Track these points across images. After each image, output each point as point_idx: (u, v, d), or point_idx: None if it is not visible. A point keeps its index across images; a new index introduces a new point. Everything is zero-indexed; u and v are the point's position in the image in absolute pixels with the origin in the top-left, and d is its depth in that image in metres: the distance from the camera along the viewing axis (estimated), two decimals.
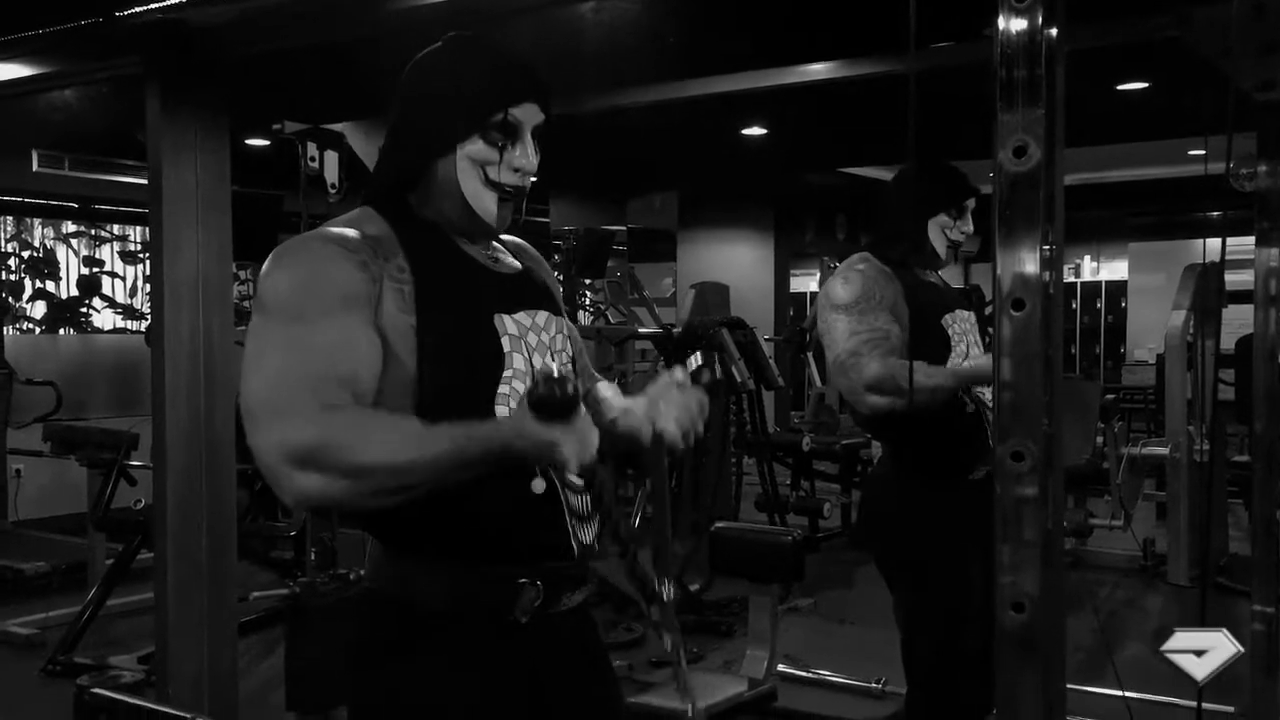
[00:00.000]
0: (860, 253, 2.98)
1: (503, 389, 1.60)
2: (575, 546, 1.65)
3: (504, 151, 1.63)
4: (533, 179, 1.69)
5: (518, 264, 1.77)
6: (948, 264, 3.01)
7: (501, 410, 1.59)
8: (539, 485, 1.59)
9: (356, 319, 1.53)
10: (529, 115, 1.65)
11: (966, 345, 2.93)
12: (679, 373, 1.68)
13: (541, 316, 1.69)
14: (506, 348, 1.62)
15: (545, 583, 1.61)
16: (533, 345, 1.65)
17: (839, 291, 2.87)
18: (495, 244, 1.78)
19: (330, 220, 1.67)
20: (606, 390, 1.80)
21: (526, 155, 1.65)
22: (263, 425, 1.49)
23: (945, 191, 2.95)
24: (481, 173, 1.63)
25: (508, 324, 1.64)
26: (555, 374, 1.46)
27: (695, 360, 1.73)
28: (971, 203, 2.96)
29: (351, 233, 1.59)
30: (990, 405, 2.90)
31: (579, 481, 1.64)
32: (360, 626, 1.69)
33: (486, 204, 1.64)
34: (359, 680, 1.66)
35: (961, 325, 2.94)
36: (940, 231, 2.94)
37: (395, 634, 1.62)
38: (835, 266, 10.81)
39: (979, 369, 2.75)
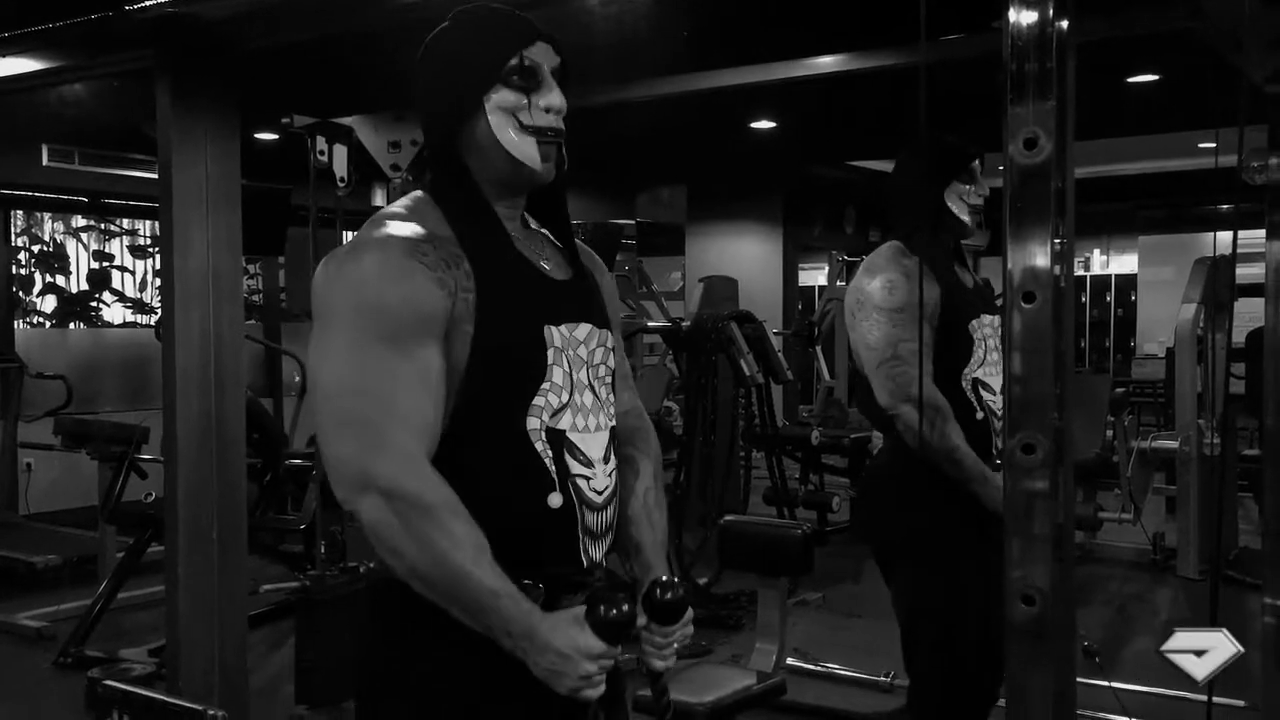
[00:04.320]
0: (892, 244, 2.94)
1: (538, 400, 1.60)
2: (584, 560, 1.66)
3: (530, 95, 1.64)
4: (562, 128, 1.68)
5: (570, 269, 1.76)
6: (975, 231, 2.98)
7: (533, 422, 1.60)
8: (556, 500, 1.61)
9: (434, 346, 1.55)
10: (544, 55, 1.65)
11: (985, 350, 2.91)
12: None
13: (582, 330, 1.68)
14: (550, 360, 1.62)
15: (547, 586, 1.61)
16: (571, 359, 1.65)
17: (882, 294, 2.83)
18: (552, 245, 1.76)
19: (394, 209, 1.66)
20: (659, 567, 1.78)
21: (553, 94, 1.65)
22: (347, 442, 1.52)
23: (950, 159, 2.93)
24: (514, 120, 1.63)
25: (554, 336, 1.64)
26: (615, 598, 1.52)
27: (661, 576, 1.73)
28: (977, 164, 2.94)
29: (425, 236, 1.58)
30: (999, 414, 2.89)
31: (599, 499, 1.66)
32: (369, 615, 1.70)
33: (527, 150, 1.63)
34: (367, 666, 1.67)
35: (984, 330, 2.93)
36: (959, 199, 2.92)
37: (402, 622, 1.62)
38: (844, 260, 10.67)
39: (996, 497, 2.72)
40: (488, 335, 1.57)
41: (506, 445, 1.59)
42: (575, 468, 1.63)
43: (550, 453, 1.60)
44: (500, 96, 1.62)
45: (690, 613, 1.69)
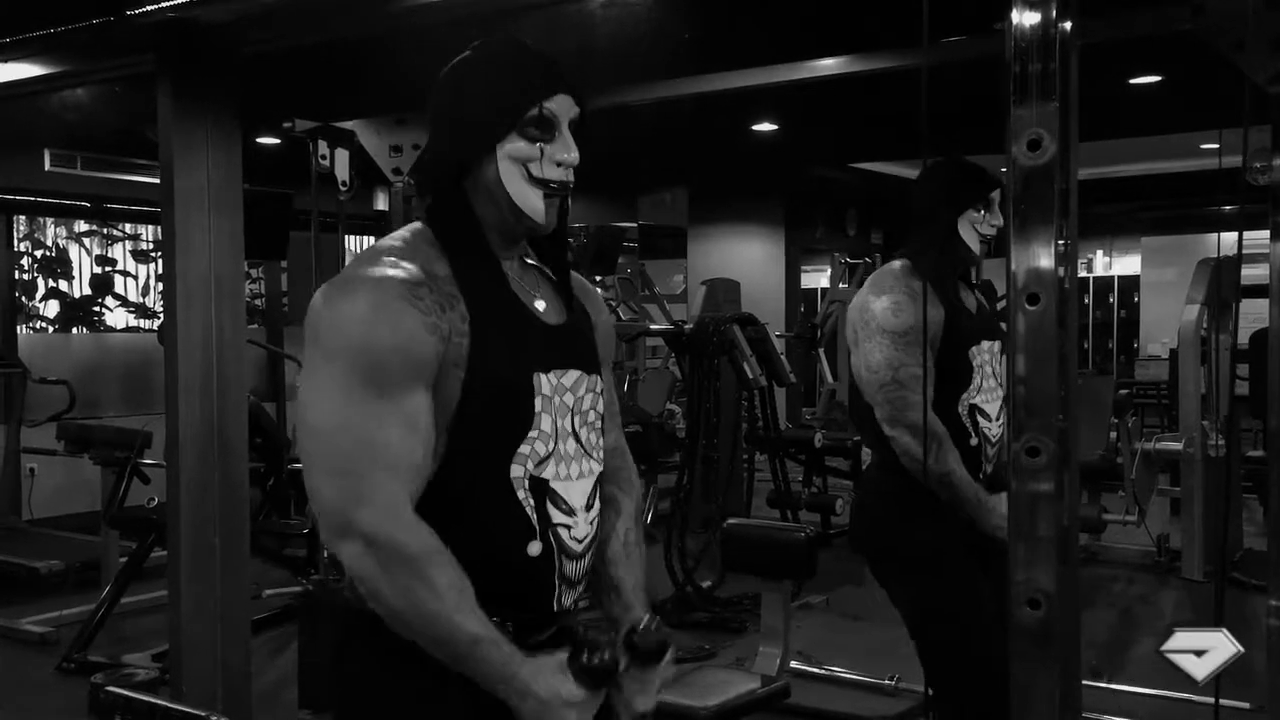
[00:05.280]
0: (901, 261, 2.94)
1: (523, 449, 1.59)
2: (555, 606, 1.65)
3: (543, 147, 1.61)
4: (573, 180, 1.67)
5: (565, 310, 1.73)
6: (981, 258, 2.99)
7: (517, 470, 1.59)
8: (535, 548, 1.60)
9: (423, 392, 1.53)
10: (563, 107, 1.62)
11: (982, 378, 2.92)
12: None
13: (570, 376, 1.66)
14: (538, 408, 1.61)
15: (516, 624, 1.60)
16: (557, 406, 1.63)
17: (887, 315, 2.82)
18: (549, 283, 1.74)
19: (392, 242, 1.63)
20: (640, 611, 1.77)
21: (567, 148, 1.62)
22: (332, 488, 1.52)
23: (969, 187, 2.92)
24: (524, 170, 1.60)
25: (543, 383, 1.61)
26: (598, 643, 1.53)
27: (644, 621, 1.73)
28: (998, 195, 2.93)
29: (421, 278, 1.56)
30: (993, 441, 2.90)
31: (579, 548, 1.65)
32: (340, 641, 1.69)
33: (533, 202, 1.61)
34: (339, 693, 1.67)
35: (983, 358, 2.93)
36: (971, 227, 2.92)
37: (371, 651, 1.61)
38: (846, 262, 10.71)
39: (998, 510, 2.72)
40: (479, 380, 1.56)
41: (490, 492, 1.58)
42: (557, 516, 1.62)
43: (532, 501, 1.59)
44: (514, 146, 1.60)
45: (672, 653, 1.68)
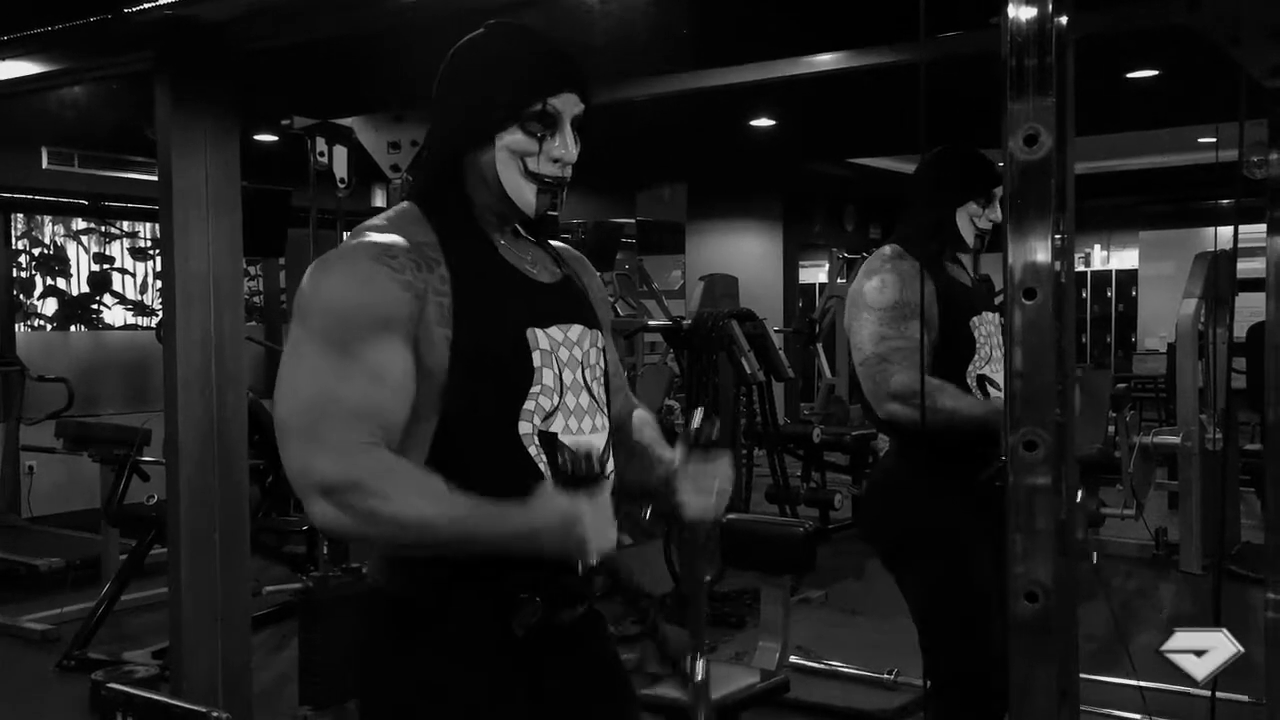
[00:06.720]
0: (891, 245, 2.95)
1: (528, 405, 1.59)
2: (580, 566, 1.63)
3: (543, 142, 1.61)
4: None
5: (559, 271, 1.74)
6: (974, 251, 2.99)
7: (525, 426, 1.59)
8: None
9: (394, 345, 1.53)
10: (568, 105, 1.63)
11: (990, 349, 2.91)
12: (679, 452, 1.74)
13: (574, 331, 1.67)
14: (537, 363, 1.61)
15: (545, 598, 1.61)
16: (564, 360, 1.64)
17: (874, 293, 2.84)
18: (539, 248, 1.76)
19: (375, 220, 1.65)
20: (663, 450, 1.81)
21: (566, 146, 1.62)
22: (295, 448, 1.51)
23: (974, 179, 2.92)
24: (520, 164, 1.61)
25: (540, 338, 1.62)
26: (586, 450, 1.53)
27: (697, 416, 1.74)
28: (999, 190, 2.92)
29: (398, 242, 1.57)
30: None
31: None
32: (365, 624, 1.69)
33: (525, 195, 1.62)
34: (364, 677, 1.67)
35: (987, 328, 2.92)
36: (969, 220, 2.92)
37: (399, 633, 1.61)
38: (844, 257, 10.64)
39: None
40: (467, 340, 1.55)
41: (500, 451, 1.58)
42: None
43: (544, 457, 1.59)
44: (513, 138, 1.60)
45: (729, 459, 1.73)
